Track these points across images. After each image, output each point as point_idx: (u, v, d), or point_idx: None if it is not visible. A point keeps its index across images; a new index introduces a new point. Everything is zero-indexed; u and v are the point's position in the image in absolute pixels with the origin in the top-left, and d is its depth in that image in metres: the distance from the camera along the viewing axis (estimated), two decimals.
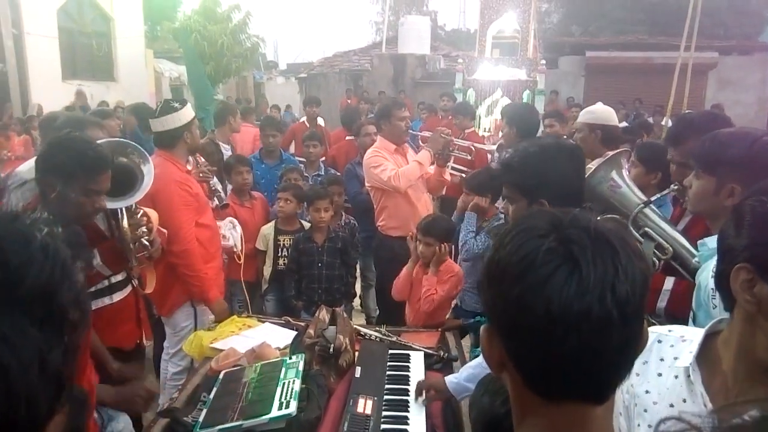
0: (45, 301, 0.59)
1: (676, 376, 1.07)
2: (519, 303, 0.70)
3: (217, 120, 4.96)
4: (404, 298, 3.17)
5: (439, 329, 2.90)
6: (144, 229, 2.52)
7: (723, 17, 20.15)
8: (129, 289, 2.58)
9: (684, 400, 1.04)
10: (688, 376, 1.05)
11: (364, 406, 2.07)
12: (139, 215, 2.54)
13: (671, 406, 1.05)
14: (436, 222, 3.13)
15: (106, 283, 2.46)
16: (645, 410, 1.08)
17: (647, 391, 1.09)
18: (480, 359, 1.99)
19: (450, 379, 2.08)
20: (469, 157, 4.11)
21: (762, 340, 0.97)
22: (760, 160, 1.54)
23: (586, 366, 0.70)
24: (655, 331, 1.16)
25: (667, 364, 1.09)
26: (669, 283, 1.98)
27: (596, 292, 0.68)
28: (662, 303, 1.96)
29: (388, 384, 2.28)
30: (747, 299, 0.97)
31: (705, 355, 1.06)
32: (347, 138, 5.57)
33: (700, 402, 1.02)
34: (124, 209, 2.46)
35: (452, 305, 3.32)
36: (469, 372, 2.00)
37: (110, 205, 2.36)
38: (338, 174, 4.65)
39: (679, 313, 1.88)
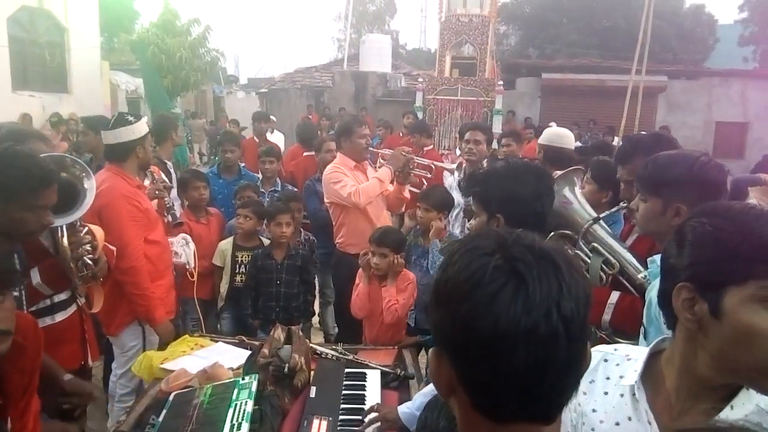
0: None
1: (622, 395, 1.08)
2: (467, 321, 0.70)
3: (158, 136, 4.37)
4: (365, 315, 3.14)
5: (396, 347, 2.89)
6: (87, 247, 2.42)
7: (671, 43, 21.15)
8: (73, 308, 2.48)
9: (629, 418, 1.06)
10: (633, 394, 1.06)
11: (319, 427, 2.04)
12: (82, 233, 2.44)
13: (617, 424, 1.07)
14: (388, 233, 3.13)
15: (48, 302, 2.35)
16: (592, 429, 1.09)
17: (594, 410, 1.10)
18: (431, 386, 1.98)
19: (402, 410, 2.05)
20: (429, 175, 4.14)
21: (703, 357, 0.99)
22: (701, 179, 1.62)
23: (533, 384, 0.71)
24: (601, 351, 1.17)
25: (613, 383, 1.11)
26: (614, 297, 2.03)
27: (542, 309, 0.69)
28: (607, 316, 2.00)
29: (343, 404, 2.25)
30: (688, 317, 0.99)
31: (649, 374, 1.08)
32: (305, 154, 5.54)
33: (645, 420, 1.04)
34: (64, 227, 2.36)
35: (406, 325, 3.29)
36: (421, 401, 1.97)
37: None
38: (297, 190, 4.61)
39: (623, 326, 1.92)
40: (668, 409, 1.03)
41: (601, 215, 2.17)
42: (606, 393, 1.10)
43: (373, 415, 2.12)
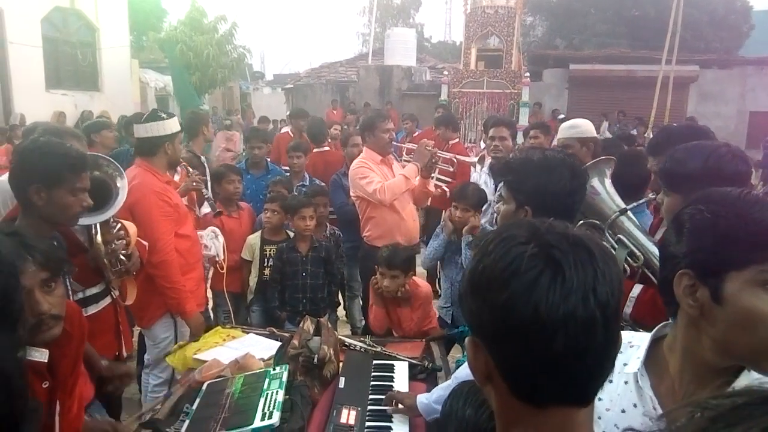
0: (4, 307, 0.60)
1: (626, 382, 1.09)
2: (506, 309, 0.72)
3: (189, 131, 4.59)
4: (384, 330, 3.14)
5: (424, 339, 2.90)
6: (121, 242, 2.49)
7: (703, 31, 20.58)
8: (107, 301, 2.54)
9: (635, 405, 1.06)
10: (637, 381, 1.07)
11: (348, 416, 2.08)
12: (116, 229, 2.51)
13: (623, 411, 1.08)
14: (397, 253, 3.04)
15: (80, 295, 2.41)
16: (599, 417, 1.09)
17: (600, 399, 1.10)
18: (450, 382, 1.99)
19: (421, 399, 2.07)
20: (451, 169, 4.14)
21: (706, 342, 1.00)
22: (717, 173, 1.60)
23: (572, 368, 0.72)
24: None
25: (617, 371, 1.11)
26: (636, 290, 2.01)
27: (579, 294, 0.70)
28: (628, 309, 1.98)
29: (371, 394, 2.28)
30: (690, 304, 1.00)
31: (652, 360, 1.09)
32: (315, 150, 5.57)
33: (650, 406, 1.05)
34: (98, 224, 2.43)
35: (438, 318, 3.29)
36: (439, 394, 1.98)
37: (84, 221, 2.34)
38: (324, 185, 4.66)
39: (644, 319, 1.90)
40: (672, 395, 1.04)
41: (629, 207, 2.15)
42: (610, 381, 1.10)
43: (392, 394, 2.18)
